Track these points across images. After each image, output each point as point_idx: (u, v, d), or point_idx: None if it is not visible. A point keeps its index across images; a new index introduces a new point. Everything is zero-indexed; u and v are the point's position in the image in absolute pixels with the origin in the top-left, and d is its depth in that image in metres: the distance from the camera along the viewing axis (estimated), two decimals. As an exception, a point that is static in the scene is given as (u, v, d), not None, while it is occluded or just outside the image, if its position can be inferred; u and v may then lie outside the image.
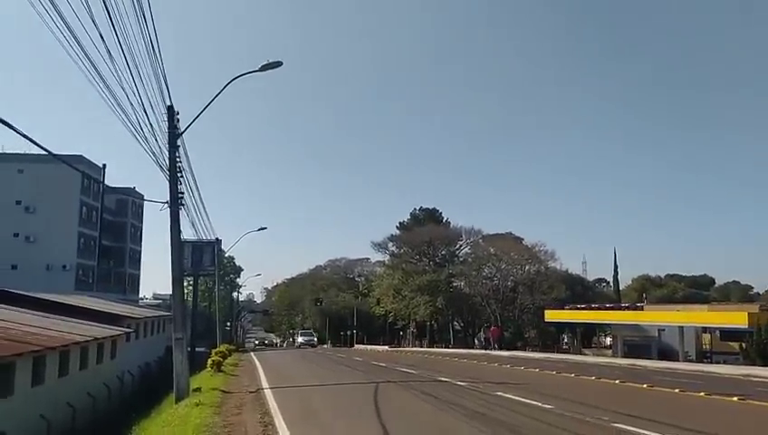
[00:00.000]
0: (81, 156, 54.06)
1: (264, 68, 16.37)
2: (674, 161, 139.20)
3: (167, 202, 16.02)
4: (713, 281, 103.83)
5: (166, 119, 16.08)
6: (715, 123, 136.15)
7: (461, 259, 74.41)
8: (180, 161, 16.49)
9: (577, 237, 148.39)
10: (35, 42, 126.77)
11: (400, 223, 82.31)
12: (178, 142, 16.36)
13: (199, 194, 26.49)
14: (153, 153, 15.83)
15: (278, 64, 16.48)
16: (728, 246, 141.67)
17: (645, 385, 14.81)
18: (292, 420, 9.35)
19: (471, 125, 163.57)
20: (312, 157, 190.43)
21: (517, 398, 11.54)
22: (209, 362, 20.45)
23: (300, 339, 74.73)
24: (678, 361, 37.36)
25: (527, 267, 68.12)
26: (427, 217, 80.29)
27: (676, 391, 13.84)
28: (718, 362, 37.27)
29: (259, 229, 43.46)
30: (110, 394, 26.49)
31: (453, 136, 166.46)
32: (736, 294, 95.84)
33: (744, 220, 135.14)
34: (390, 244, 78.79)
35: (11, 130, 9.06)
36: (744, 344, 37.59)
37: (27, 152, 53.89)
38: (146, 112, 14.88)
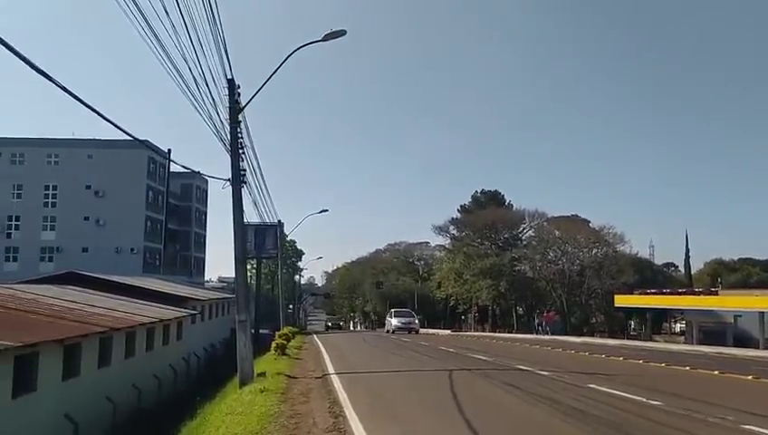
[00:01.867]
0: (147, 141, 54.78)
1: (327, 37, 15.43)
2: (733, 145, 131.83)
3: (229, 180, 15.43)
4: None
5: (227, 93, 15.46)
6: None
7: (524, 242, 72.51)
8: (242, 137, 15.86)
9: (644, 221, 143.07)
10: (92, 20, 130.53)
11: (462, 206, 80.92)
12: (240, 117, 15.73)
13: (261, 173, 26.01)
14: (215, 126, 15.28)
15: (341, 33, 15.50)
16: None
17: (750, 377, 13.23)
18: (364, 412, 8.51)
19: (533, 106, 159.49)
20: (374, 140, 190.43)
21: (614, 391, 10.23)
22: (273, 344, 19.95)
23: (394, 322, 46.82)
24: (757, 348, 35.48)
25: (594, 251, 65.75)
26: (489, 200, 78.59)
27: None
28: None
29: (321, 211, 42.86)
30: (175, 376, 26.49)
31: (515, 118, 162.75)
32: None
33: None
34: (451, 227, 77.51)
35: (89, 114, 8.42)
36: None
37: (94, 138, 55.42)
38: (207, 86, 14.30)
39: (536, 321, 64.44)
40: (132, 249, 59.79)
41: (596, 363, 17.38)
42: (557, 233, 67.24)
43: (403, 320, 47.36)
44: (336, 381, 12.59)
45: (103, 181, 58.94)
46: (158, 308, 29.30)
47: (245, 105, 15.77)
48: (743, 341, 42.73)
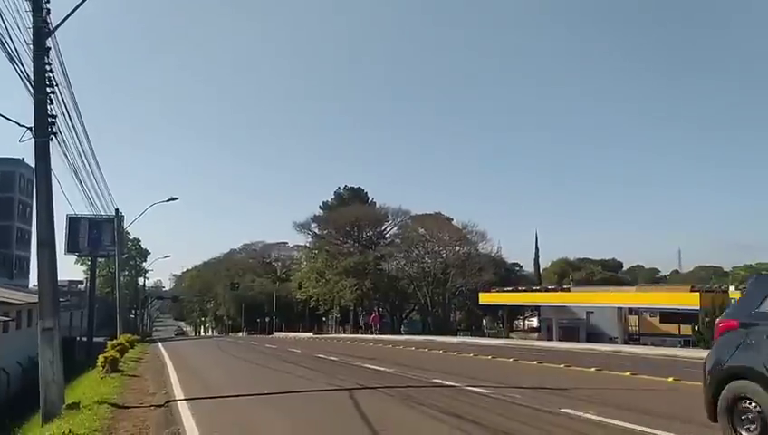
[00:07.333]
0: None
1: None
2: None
3: (30, 128, 10.81)
4: (621, 264, 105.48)
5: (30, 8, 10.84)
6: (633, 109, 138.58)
7: (388, 241, 70.81)
8: (52, 71, 11.25)
9: (490, 220, 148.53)
10: None
11: (324, 203, 77.78)
12: (49, 43, 11.17)
13: (86, 133, 20.80)
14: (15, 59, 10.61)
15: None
16: (628, 231, 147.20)
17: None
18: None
19: (394, 103, 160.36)
20: (229, 133, 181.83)
21: (613, 422, 6.92)
22: (101, 358, 15.26)
23: None
24: (609, 343, 36.93)
25: (457, 249, 65.29)
26: (353, 197, 76.17)
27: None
28: (646, 344, 36.47)
29: (169, 200, 37.09)
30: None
31: (379, 114, 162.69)
32: (643, 276, 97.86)
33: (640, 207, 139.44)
34: (313, 224, 73.96)
35: None
36: (697, 326, 36.17)
37: None
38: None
39: (362, 320, 64.91)
40: (-67, 246, 50.05)
41: (523, 372, 14.28)
42: (421, 231, 66.13)
43: None
44: (185, 415, 8.58)
45: None
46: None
47: (58, 25, 11.26)
48: (594, 336, 43.86)
